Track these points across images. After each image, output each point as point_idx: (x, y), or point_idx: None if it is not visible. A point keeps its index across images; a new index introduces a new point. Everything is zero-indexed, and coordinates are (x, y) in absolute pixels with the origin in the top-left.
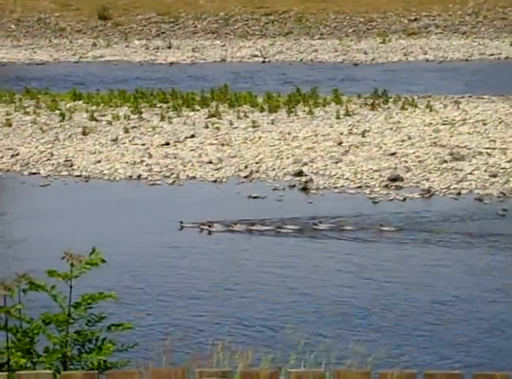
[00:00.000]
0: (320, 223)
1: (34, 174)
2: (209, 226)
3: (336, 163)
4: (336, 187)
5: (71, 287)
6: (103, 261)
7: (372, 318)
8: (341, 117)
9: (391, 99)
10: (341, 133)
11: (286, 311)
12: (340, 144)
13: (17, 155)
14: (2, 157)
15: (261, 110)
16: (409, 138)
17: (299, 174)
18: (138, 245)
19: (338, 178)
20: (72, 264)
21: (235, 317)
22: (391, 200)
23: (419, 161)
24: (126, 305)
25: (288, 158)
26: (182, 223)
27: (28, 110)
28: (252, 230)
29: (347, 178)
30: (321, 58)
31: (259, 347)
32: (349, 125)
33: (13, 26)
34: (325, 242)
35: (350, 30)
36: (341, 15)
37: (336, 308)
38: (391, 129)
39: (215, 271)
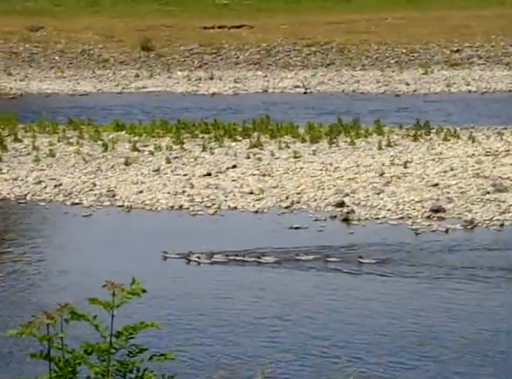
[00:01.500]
0: (362, 257)
1: (76, 204)
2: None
3: (378, 193)
4: (377, 218)
5: (113, 316)
6: (144, 291)
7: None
8: (383, 147)
9: (433, 130)
10: (383, 164)
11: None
12: (381, 174)
13: (60, 185)
14: (46, 187)
15: (303, 140)
16: (451, 169)
17: (341, 204)
18: (179, 275)
19: (380, 208)
20: (113, 294)
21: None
22: (433, 231)
23: (461, 192)
24: (169, 337)
25: (329, 188)
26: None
27: (71, 140)
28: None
29: (389, 209)
30: (363, 88)
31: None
32: (391, 155)
33: (57, 57)
34: (370, 277)
35: (392, 61)
36: (383, 46)
37: (388, 342)
38: (433, 160)
39: (266, 304)
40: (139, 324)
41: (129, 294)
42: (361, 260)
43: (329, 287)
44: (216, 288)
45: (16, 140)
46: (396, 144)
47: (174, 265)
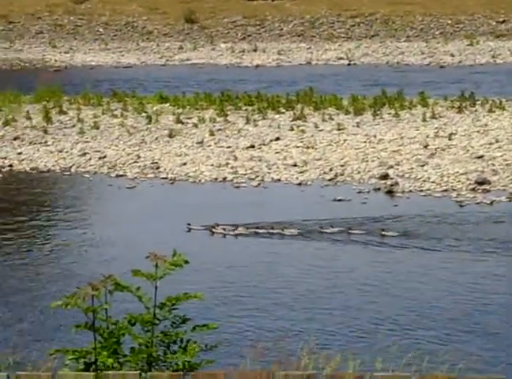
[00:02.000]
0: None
1: (121, 176)
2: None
3: (422, 165)
4: (421, 190)
5: (156, 287)
6: (187, 262)
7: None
8: (427, 119)
9: (478, 102)
10: (427, 136)
11: (379, 315)
12: (426, 146)
13: (105, 157)
14: (90, 159)
15: (347, 112)
16: (497, 141)
17: (385, 177)
18: (222, 247)
19: (424, 181)
20: (156, 265)
21: (325, 321)
22: (478, 203)
23: (506, 164)
24: (213, 307)
25: (373, 161)
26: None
27: (115, 112)
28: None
29: (433, 181)
30: (408, 60)
31: (348, 352)
32: (435, 127)
33: (101, 29)
34: (417, 251)
35: (437, 32)
36: (428, 17)
37: (433, 313)
38: (478, 131)
39: (312, 276)
40: (182, 295)
41: (172, 265)
42: (406, 233)
43: (377, 258)
44: (261, 260)
45: (61, 112)
46: (440, 116)
47: (216, 237)
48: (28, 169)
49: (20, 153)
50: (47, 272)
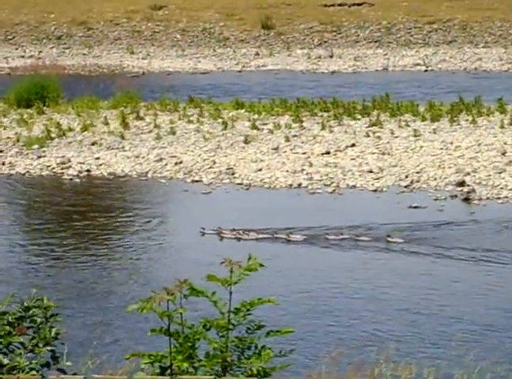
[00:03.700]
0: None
1: (196, 181)
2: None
3: (500, 173)
4: (499, 198)
5: (231, 292)
6: (261, 266)
7: None
8: (505, 126)
9: None
10: (505, 143)
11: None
12: (504, 154)
13: (181, 163)
14: (166, 165)
15: (423, 119)
16: None
17: (461, 184)
18: (299, 253)
19: (502, 188)
20: (231, 270)
21: (403, 331)
22: None
23: None
24: (293, 314)
25: (449, 168)
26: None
27: (191, 118)
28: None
29: (511, 189)
30: (486, 66)
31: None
32: None
33: (178, 36)
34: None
35: None
36: (507, 23)
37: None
38: None
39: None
40: (256, 300)
41: (247, 270)
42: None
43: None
44: (339, 266)
45: (138, 118)
46: None
47: (293, 243)
48: (105, 174)
49: (97, 158)
50: (125, 276)
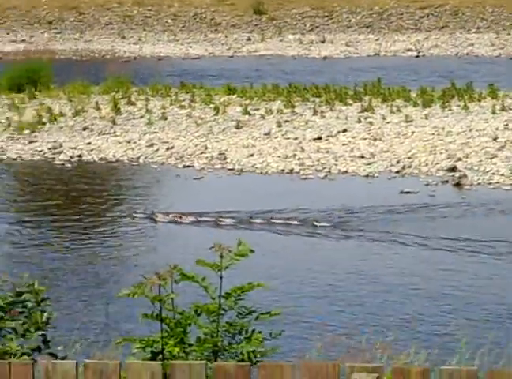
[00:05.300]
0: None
1: (188, 167)
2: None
3: (491, 158)
4: (490, 183)
5: (221, 277)
6: (252, 251)
7: None
8: (497, 112)
9: None
10: (497, 129)
11: (452, 312)
12: (495, 139)
13: (172, 148)
14: (158, 150)
15: (415, 104)
16: None
17: (453, 169)
18: (287, 241)
19: (493, 173)
20: (221, 255)
21: (399, 314)
22: None
23: None
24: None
25: (441, 153)
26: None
27: (183, 103)
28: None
29: (502, 174)
30: (477, 52)
31: (421, 345)
32: (505, 120)
33: (169, 21)
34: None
35: (508, 23)
36: (499, 8)
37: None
38: None
39: (386, 270)
40: (246, 285)
41: (237, 255)
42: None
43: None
44: (333, 253)
45: (130, 103)
46: (510, 108)
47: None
48: (96, 159)
49: (89, 143)
50: (115, 261)
